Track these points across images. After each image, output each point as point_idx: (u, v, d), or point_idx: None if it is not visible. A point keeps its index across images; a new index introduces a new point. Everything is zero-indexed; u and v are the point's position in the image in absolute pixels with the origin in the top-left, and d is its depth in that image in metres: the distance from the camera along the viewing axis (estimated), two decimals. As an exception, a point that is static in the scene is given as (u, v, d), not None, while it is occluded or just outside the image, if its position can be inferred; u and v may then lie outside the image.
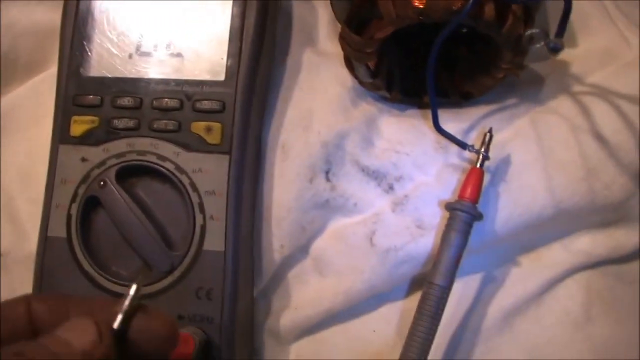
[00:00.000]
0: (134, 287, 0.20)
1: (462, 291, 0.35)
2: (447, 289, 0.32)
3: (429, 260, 0.33)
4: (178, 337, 0.21)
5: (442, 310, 0.31)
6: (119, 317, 0.20)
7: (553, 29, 0.37)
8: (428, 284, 0.32)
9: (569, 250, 0.35)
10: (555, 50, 0.28)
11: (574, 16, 0.37)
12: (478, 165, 0.33)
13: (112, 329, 0.19)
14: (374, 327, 0.35)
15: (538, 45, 0.27)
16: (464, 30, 0.35)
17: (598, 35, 0.37)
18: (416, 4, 0.32)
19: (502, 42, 0.32)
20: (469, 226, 0.32)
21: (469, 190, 0.32)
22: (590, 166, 0.34)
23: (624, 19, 0.37)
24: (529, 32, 0.28)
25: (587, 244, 0.35)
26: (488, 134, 0.33)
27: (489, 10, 0.32)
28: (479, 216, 0.32)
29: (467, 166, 0.35)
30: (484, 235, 0.34)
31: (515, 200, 0.34)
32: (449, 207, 0.33)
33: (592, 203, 0.34)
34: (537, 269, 0.35)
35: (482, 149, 0.33)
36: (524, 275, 0.35)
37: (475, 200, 0.32)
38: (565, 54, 0.37)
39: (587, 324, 0.34)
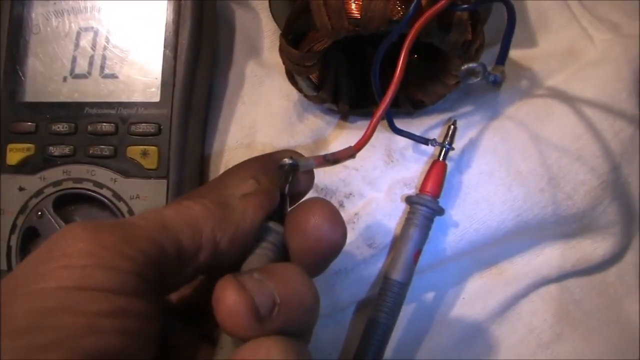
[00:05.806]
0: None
1: (414, 312, 0.33)
2: (405, 285, 0.30)
3: (378, 282, 0.32)
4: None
5: (400, 308, 0.30)
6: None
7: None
8: (385, 280, 0.30)
9: (531, 264, 0.34)
10: (496, 83, 0.25)
11: (533, 14, 0.35)
12: (441, 159, 0.31)
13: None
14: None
15: (477, 80, 0.25)
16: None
17: (559, 34, 0.35)
18: (352, 14, 0.30)
19: (449, 50, 0.30)
20: (429, 221, 0.31)
21: (430, 184, 0.31)
22: (551, 175, 0.32)
23: (587, 15, 0.35)
24: (465, 66, 0.25)
25: (551, 256, 0.34)
26: (452, 125, 0.32)
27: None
28: (440, 211, 0.31)
29: (419, 181, 0.33)
30: (436, 254, 0.32)
31: (470, 215, 0.32)
32: (409, 200, 0.31)
33: (555, 214, 0.32)
34: (497, 285, 0.33)
35: (446, 142, 0.31)
36: (484, 293, 0.33)
37: (437, 194, 0.31)
38: (524, 55, 0.35)
39: (553, 341, 0.33)
